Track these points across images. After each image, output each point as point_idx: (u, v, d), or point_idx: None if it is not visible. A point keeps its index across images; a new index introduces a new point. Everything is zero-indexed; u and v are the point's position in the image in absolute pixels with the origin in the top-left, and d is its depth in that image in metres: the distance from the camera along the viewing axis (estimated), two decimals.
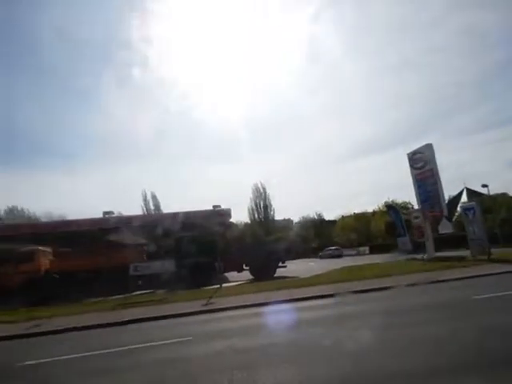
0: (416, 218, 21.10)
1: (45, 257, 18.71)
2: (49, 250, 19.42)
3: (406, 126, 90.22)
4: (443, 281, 10.84)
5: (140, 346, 6.24)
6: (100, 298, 15.32)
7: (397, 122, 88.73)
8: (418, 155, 21.77)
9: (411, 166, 22.34)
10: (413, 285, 10.58)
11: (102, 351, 6.16)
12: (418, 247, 21.18)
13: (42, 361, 5.88)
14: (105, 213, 23.01)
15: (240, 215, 64.33)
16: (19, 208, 52.20)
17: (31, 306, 14.93)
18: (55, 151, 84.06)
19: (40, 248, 18.75)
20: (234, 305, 9.75)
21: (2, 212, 51.52)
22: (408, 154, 22.57)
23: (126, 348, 6.20)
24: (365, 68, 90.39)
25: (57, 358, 5.95)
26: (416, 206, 24.83)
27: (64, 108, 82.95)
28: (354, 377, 3.70)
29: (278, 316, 8.03)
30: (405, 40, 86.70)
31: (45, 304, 15.07)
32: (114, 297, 15.37)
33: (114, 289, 16.23)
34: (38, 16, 78.55)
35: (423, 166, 21.40)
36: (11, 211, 51.89)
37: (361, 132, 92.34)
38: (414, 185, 22.33)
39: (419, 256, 20.26)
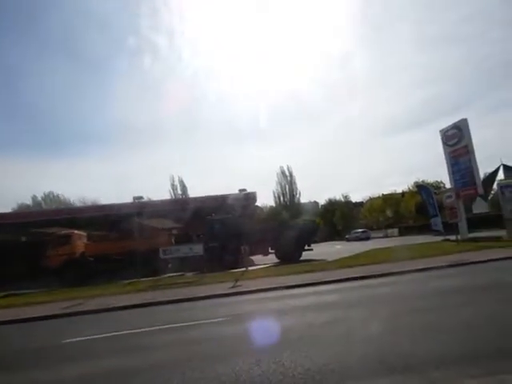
0: (448, 197, 20.21)
1: (80, 240, 19.71)
2: (84, 233, 20.42)
3: (436, 103, 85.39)
4: (478, 262, 10.43)
5: (171, 326, 6.46)
6: (132, 280, 16.00)
7: (427, 99, 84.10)
8: (452, 131, 20.62)
9: (444, 143, 21.23)
10: (446, 267, 10.24)
11: (136, 330, 6.42)
12: (451, 228, 20.38)
13: (81, 339, 6.20)
14: (135, 198, 23.79)
15: (265, 199, 64.58)
16: (55, 193, 55.20)
17: (68, 287, 15.94)
18: (87, 137, 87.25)
19: (75, 232, 19.75)
20: (260, 287, 9.86)
21: (40, 198, 54.70)
22: (441, 131, 21.45)
23: (158, 328, 6.43)
24: (394, 42, 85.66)
25: (94, 337, 6.27)
26: (448, 186, 23.72)
27: (94, 94, 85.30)
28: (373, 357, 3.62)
29: (303, 298, 8.04)
30: (442, 11, 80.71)
31: (81, 285, 16.00)
32: (145, 279, 16.01)
33: (145, 271, 16.92)
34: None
35: (457, 142, 20.27)
36: (48, 197, 54.93)
37: (389, 109, 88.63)
38: (447, 163, 21.28)
39: (452, 237, 19.53)
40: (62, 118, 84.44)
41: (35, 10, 77.83)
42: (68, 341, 6.14)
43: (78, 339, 6.19)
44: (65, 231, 20.12)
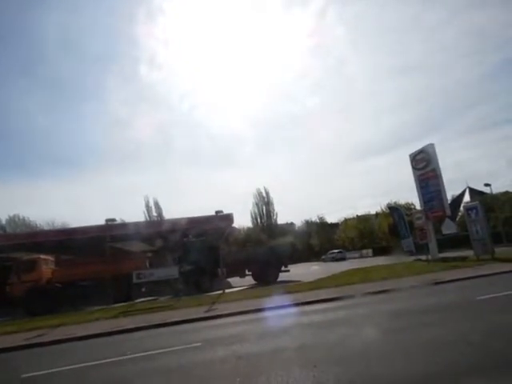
0: (418, 219, 20.97)
1: (47, 265, 18.61)
2: (51, 258, 19.35)
3: (407, 128, 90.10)
4: (447, 281, 10.77)
5: (144, 354, 6.17)
6: (103, 307, 15.24)
7: (398, 124, 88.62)
8: (420, 156, 21.66)
9: (413, 166, 22.20)
10: (417, 286, 10.51)
11: (105, 360, 6.07)
12: (422, 248, 21.04)
13: (42, 372, 5.78)
14: (107, 220, 23.04)
15: (242, 220, 64.36)
16: (20, 216, 52.24)
17: (34, 316, 14.92)
18: (56, 159, 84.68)
19: (42, 257, 18.66)
20: (237, 310, 9.67)
21: (4, 221, 51.63)
22: (410, 155, 22.45)
23: (131, 356, 6.11)
24: (367, 69, 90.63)
25: (59, 369, 5.86)
26: (418, 208, 24.66)
27: (65, 114, 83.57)
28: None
29: (279, 321, 7.96)
30: (410, 41, 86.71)
31: (47, 314, 15.02)
32: (117, 305, 15.30)
33: (118, 297, 16.18)
34: (46, 27, 79.30)
35: (425, 166, 21.27)
36: (12, 220, 51.91)
37: (362, 134, 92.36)
38: (417, 186, 22.20)
39: (423, 257, 20.13)
40: (29, 139, 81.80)
41: (5, 32, 76.69)
42: (27, 375, 5.69)
43: (38, 373, 5.75)
44: (30, 256, 19.00)
